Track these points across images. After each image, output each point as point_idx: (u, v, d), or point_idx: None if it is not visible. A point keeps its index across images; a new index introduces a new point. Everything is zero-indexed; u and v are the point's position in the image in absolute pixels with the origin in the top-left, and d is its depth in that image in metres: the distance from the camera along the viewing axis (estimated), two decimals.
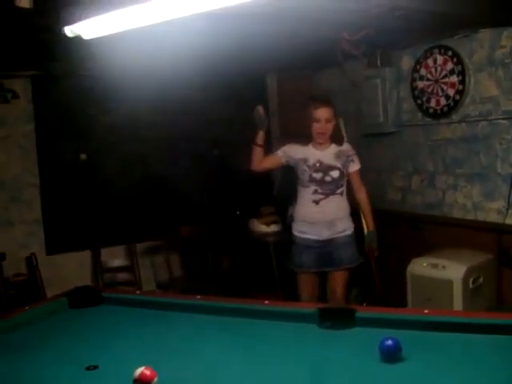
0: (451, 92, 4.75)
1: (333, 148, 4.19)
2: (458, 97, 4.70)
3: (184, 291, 5.24)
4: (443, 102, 4.84)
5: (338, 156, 4.17)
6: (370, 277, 4.82)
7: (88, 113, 5.62)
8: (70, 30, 2.60)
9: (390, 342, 2.10)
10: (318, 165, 4.10)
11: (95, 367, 2.16)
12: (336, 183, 4.13)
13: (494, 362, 2.07)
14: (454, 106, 4.75)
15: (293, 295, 4.38)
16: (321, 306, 2.69)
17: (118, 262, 5.80)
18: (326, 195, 4.11)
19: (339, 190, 4.16)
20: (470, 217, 4.76)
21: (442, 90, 4.82)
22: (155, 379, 1.95)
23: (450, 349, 2.21)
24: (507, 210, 4.40)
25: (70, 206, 5.65)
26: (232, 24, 3.65)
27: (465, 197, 4.81)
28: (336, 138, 4.22)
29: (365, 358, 2.17)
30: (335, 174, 4.12)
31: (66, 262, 5.54)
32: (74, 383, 2.06)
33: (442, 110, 4.87)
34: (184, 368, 2.17)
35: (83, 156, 5.68)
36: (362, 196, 4.34)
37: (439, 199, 5.04)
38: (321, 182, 4.10)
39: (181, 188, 5.98)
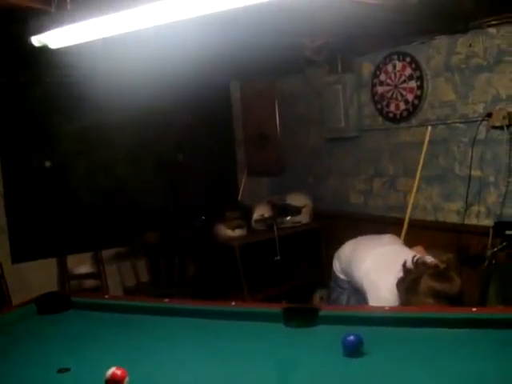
0: (410, 97, 4.89)
1: None
2: (416, 101, 4.84)
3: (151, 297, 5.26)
4: (403, 106, 4.98)
5: None
6: None
7: (53, 120, 5.62)
8: (37, 40, 2.64)
9: (352, 338, 2.19)
10: None
11: (67, 370, 2.19)
12: None
13: (455, 355, 2.15)
14: (413, 110, 4.89)
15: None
16: (285, 305, 2.76)
17: (84, 269, 5.79)
18: None
19: None
20: (431, 218, 4.90)
21: (402, 94, 4.96)
22: (126, 379, 2.00)
23: (410, 343, 2.29)
24: (465, 210, 4.55)
25: (35, 214, 5.63)
26: (195, 32, 3.71)
27: (425, 198, 4.95)
28: None
29: (329, 353, 2.24)
30: None
31: (32, 271, 5.49)
32: None
33: (401, 114, 5.01)
34: (154, 369, 2.22)
35: (48, 163, 5.67)
36: None
37: (400, 201, 5.17)
38: None
39: (146, 194, 6.02)
